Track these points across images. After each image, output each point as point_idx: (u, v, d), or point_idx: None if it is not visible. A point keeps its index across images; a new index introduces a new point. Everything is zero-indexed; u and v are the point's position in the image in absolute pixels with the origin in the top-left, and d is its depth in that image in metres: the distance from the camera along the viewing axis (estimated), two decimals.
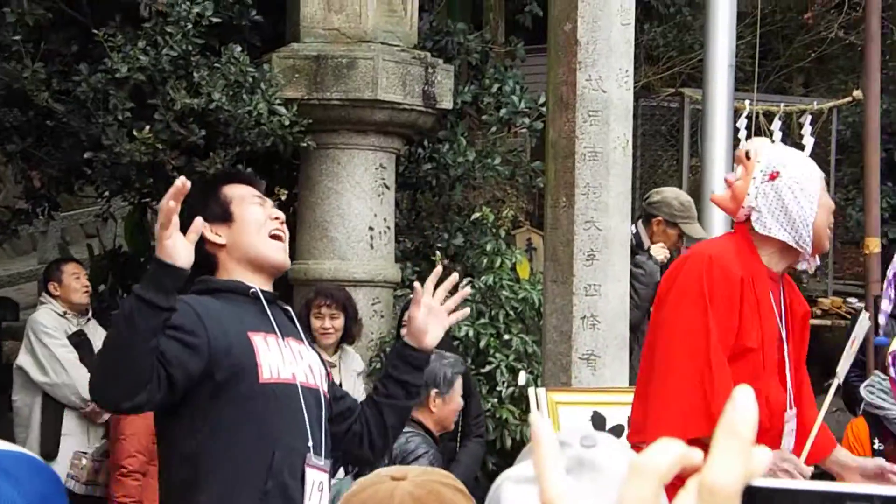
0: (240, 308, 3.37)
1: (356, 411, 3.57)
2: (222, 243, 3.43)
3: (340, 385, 6.58)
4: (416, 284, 3.55)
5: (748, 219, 3.80)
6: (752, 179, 3.80)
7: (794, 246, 3.79)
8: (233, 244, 3.44)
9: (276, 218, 3.50)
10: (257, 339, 3.33)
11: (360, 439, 3.55)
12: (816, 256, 3.92)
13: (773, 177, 3.80)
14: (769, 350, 3.76)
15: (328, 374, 3.55)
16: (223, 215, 3.44)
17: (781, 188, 3.77)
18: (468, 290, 3.72)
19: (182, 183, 3.03)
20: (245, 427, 3.28)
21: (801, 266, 3.92)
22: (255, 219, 3.46)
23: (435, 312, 3.51)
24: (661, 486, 0.77)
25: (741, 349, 3.68)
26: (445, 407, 5.62)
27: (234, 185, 3.53)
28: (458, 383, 5.55)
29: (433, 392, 5.47)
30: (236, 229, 3.44)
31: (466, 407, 6.64)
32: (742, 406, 0.75)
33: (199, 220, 3.13)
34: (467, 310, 3.69)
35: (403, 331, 4.11)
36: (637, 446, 3.50)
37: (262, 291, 3.42)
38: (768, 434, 3.61)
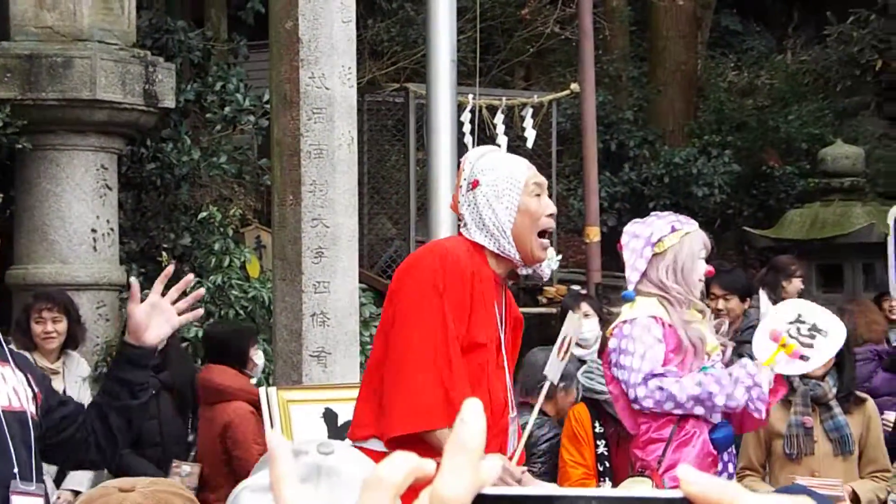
0: None
1: (79, 417, 3.47)
2: None
3: (65, 391, 6.38)
4: (133, 280, 3.48)
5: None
6: (459, 188, 3.87)
7: (500, 253, 3.81)
8: None
9: None
10: None
11: (85, 445, 3.45)
12: (544, 263, 3.89)
13: (473, 185, 3.82)
14: (492, 350, 3.80)
15: (36, 395, 3.43)
16: None
17: (479, 197, 3.79)
18: (202, 290, 3.68)
19: None
20: None
21: (523, 272, 3.88)
22: None
23: (162, 310, 3.44)
24: (395, 498, 0.78)
25: (471, 344, 3.72)
26: (566, 398, 5.89)
27: None
28: (577, 378, 5.71)
29: (560, 385, 5.53)
30: None
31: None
32: (470, 418, 0.77)
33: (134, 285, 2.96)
34: (200, 310, 3.63)
35: None
36: (359, 445, 3.52)
37: None
38: (490, 432, 3.66)
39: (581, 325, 3.80)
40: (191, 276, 3.57)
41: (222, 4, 10.91)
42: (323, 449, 1.37)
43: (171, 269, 3.52)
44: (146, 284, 8.07)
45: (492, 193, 3.79)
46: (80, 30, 7.69)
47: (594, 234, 10.35)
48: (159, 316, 3.43)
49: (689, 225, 4.60)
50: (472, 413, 0.77)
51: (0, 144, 7.36)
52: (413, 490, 0.78)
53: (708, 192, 14.23)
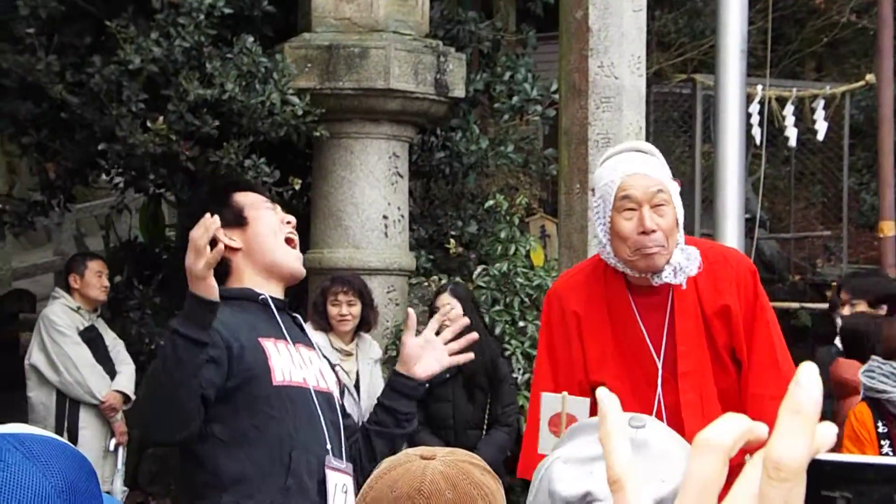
0: (250, 315, 3.38)
1: (356, 432, 3.54)
2: (238, 247, 3.43)
3: (358, 373, 6.61)
4: (410, 310, 3.51)
5: None
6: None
7: (615, 267, 3.55)
8: (248, 248, 3.44)
9: (289, 223, 3.51)
10: (268, 345, 3.34)
11: (354, 463, 3.49)
12: (665, 273, 3.52)
13: (593, 191, 3.63)
14: (626, 378, 3.57)
15: (338, 381, 3.56)
16: (237, 220, 3.44)
17: (592, 209, 3.65)
18: (475, 335, 3.55)
19: (212, 219, 3.03)
20: (261, 428, 3.30)
21: (655, 282, 3.54)
22: (269, 223, 3.46)
23: (434, 346, 3.47)
24: (726, 461, 0.78)
25: (593, 385, 3.56)
26: None
27: (242, 192, 3.55)
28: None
29: None
30: (251, 233, 3.44)
31: (497, 395, 6.62)
32: (807, 382, 0.75)
33: (216, 221, 3.07)
34: (471, 355, 3.58)
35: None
36: None
37: (272, 298, 3.42)
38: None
39: (577, 403, 3.41)
40: (465, 320, 3.54)
41: None
42: (634, 423, 1.37)
43: (448, 308, 3.55)
44: (434, 271, 8.28)
45: (595, 207, 3.58)
46: (376, 21, 7.92)
47: (889, 228, 9.99)
48: (431, 352, 3.46)
49: None
50: (809, 376, 0.75)
51: (299, 132, 7.66)
52: (743, 453, 0.78)
53: None
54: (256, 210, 3.48)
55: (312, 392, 3.37)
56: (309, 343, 3.51)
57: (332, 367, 3.63)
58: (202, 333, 3.10)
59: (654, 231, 3.45)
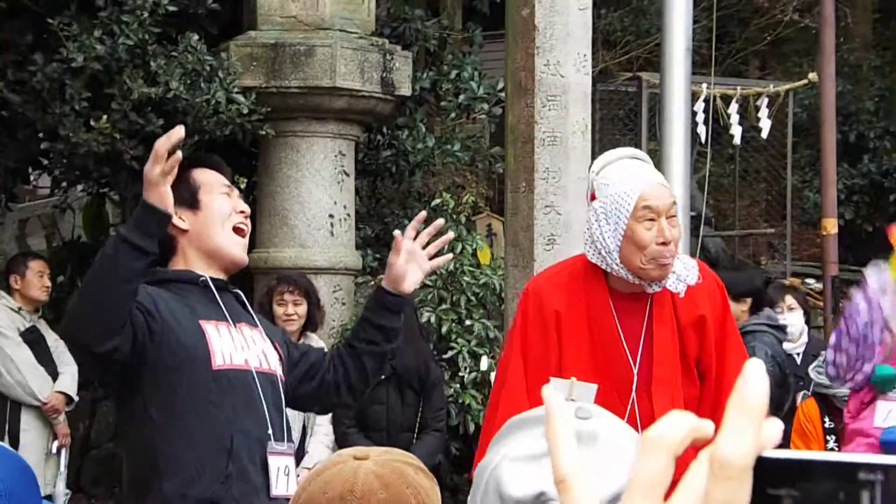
0: (190, 297, 3.38)
1: (325, 362, 3.60)
2: (185, 228, 3.42)
3: None
4: (397, 233, 3.55)
5: None
6: (588, 196, 3.66)
7: (615, 273, 3.55)
8: (195, 232, 3.44)
9: (242, 212, 3.51)
10: (208, 327, 3.34)
11: (336, 387, 3.57)
12: (670, 280, 3.56)
13: (591, 197, 3.58)
14: (604, 379, 3.55)
15: (281, 356, 3.55)
16: (190, 201, 3.42)
17: (591, 213, 3.55)
18: (451, 234, 3.71)
19: (181, 132, 3.08)
20: (201, 414, 3.30)
21: (650, 290, 3.58)
22: (220, 210, 3.46)
23: (415, 256, 3.51)
24: (673, 458, 0.77)
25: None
26: None
27: (203, 169, 3.52)
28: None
29: None
30: (201, 218, 3.44)
31: (428, 399, 6.62)
32: (753, 379, 0.75)
33: (180, 131, 3.09)
34: (450, 255, 3.70)
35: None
36: None
37: (212, 279, 3.42)
38: None
39: (585, 391, 3.40)
40: (441, 221, 3.62)
41: None
42: (581, 414, 1.34)
43: (423, 214, 3.60)
44: (380, 270, 8.26)
45: (602, 212, 3.53)
46: (322, 19, 7.90)
47: (831, 226, 10.08)
48: (413, 262, 3.51)
49: None
50: (755, 373, 0.75)
51: (245, 131, 7.62)
52: (693, 449, 0.77)
53: None
54: (210, 194, 3.47)
55: (255, 374, 3.38)
56: (252, 322, 3.50)
57: (281, 338, 3.63)
58: (146, 241, 3.11)
59: (671, 242, 3.51)
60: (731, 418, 0.74)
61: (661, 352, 3.61)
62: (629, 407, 3.57)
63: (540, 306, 3.64)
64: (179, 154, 3.10)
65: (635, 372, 3.59)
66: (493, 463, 1.36)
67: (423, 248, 3.53)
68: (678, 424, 0.77)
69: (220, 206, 3.46)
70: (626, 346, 3.61)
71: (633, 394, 3.58)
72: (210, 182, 3.48)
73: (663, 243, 3.48)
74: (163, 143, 3.07)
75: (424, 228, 3.54)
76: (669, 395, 3.61)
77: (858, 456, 0.76)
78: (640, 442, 0.77)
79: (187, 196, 3.42)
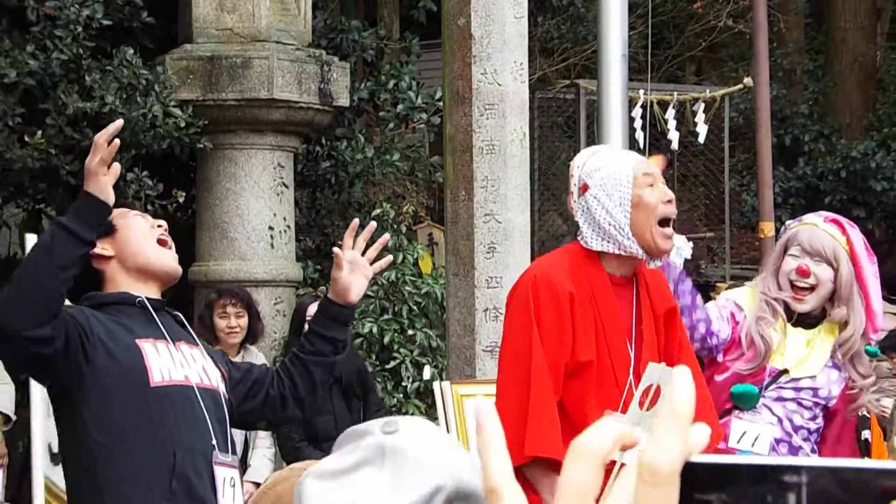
0: (127, 318, 3.39)
1: (268, 377, 3.61)
2: (110, 255, 3.44)
3: None
4: (336, 249, 3.58)
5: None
6: (571, 195, 3.79)
7: (623, 253, 3.71)
8: (120, 254, 3.45)
9: (160, 225, 3.55)
10: (146, 346, 3.35)
11: (282, 401, 3.58)
12: (672, 253, 3.77)
13: (583, 189, 3.72)
14: (607, 361, 3.68)
15: (223, 375, 3.55)
16: (106, 228, 3.43)
17: (590, 200, 3.69)
18: (387, 236, 3.74)
19: (119, 123, 3.22)
20: (142, 431, 3.30)
21: (651, 266, 3.76)
22: (139, 227, 3.50)
23: (357, 265, 3.54)
24: (602, 466, 0.77)
25: (577, 365, 3.66)
26: None
27: None
28: None
29: None
30: (121, 239, 3.46)
31: (365, 402, 6.62)
32: (680, 384, 0.75)
33: (119, 124, 3.25)
34: (390, 257, 3.73)
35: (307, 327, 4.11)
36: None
37: (149, 299, 3.43)
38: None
39: (671, 375, 3.47)
40: (373, 224, 3.66)
41: (395, 4, 11.04)
42: (387, 428, 1.34)
43: (356, 221, 3.62)
44: (322, 281, 8.25)
45: (602, 193, 3.70)
46: (258, 31, 7.87)
47: (769, 229, 10.17)
48: (355, 272, 3.53)
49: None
50: (682, 379, 0.76)
51: (182, 144, 7.57)
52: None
53: (888, 186, 13.85)
54: (124, 218, 3.51)
55: (196, 389, 3.39)
56: (192, 340, 3.52)
57: (222, 358, 3.63)
58: (84, 230, 3.18)
59: (673, 200, 3.74)
60: (660, 424, 0.74)
61: (648, 335, 3.77)
62: (627, 388, 3.66)
63: (552, 289, 3.67)
64: (118, 142, 3.18)
65: (632, 355, 3.72)
66: (300, 479, 1.37)
67: (363, 254, 3.55)
68: (606, 432, 0.77)
69: (137, 225, 3.51)
70: (632, 328, 3.76)
71: (631, 375, 3.68)
72: (119, 211, 3.52)
73: (668, 201, 3.70)
74: (102, 135, 3.18)
75: (359, 234, 3.57)
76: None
77: (782, 459, 0.77)
78: (569, 449, 0.78)
79: (101, 228, 3.44)
